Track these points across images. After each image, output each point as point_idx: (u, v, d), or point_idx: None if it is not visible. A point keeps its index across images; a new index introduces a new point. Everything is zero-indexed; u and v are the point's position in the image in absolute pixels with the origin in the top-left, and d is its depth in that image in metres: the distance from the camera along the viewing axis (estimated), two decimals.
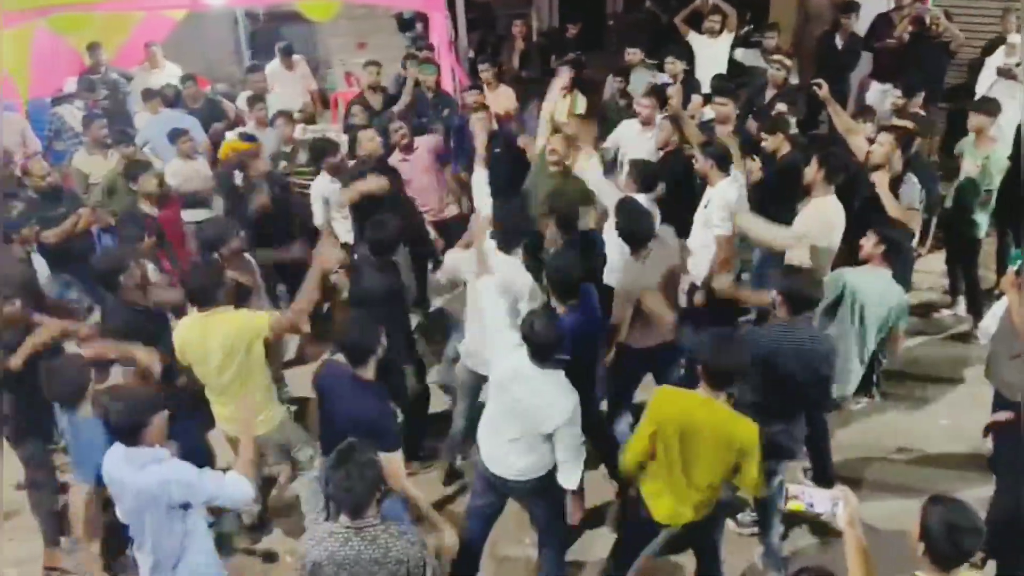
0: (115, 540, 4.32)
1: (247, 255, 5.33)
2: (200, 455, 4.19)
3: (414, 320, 6.37)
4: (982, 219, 6.22)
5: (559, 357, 3.69)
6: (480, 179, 5.45)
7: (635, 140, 6.64)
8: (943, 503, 2.64)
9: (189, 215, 6.69)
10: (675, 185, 5.93)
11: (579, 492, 4.02)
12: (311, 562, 3.00)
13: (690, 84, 7.74)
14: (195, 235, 5.97)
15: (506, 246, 4.55)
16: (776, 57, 7.61)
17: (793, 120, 6.36)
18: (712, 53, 8.54)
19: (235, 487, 3.48)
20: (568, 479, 3.80)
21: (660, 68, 8.28)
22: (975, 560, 2.97)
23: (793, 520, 4.62)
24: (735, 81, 7.74)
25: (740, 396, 3.78)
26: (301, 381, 5.37)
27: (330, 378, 3.95)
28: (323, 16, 9.17)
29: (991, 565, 4.06)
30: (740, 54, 9.19)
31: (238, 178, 6.27)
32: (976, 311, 6.45)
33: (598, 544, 4.67)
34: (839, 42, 8.64)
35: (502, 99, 7.88)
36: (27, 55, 9.11)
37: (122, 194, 6.41)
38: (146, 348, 4.22)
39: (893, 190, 5.37)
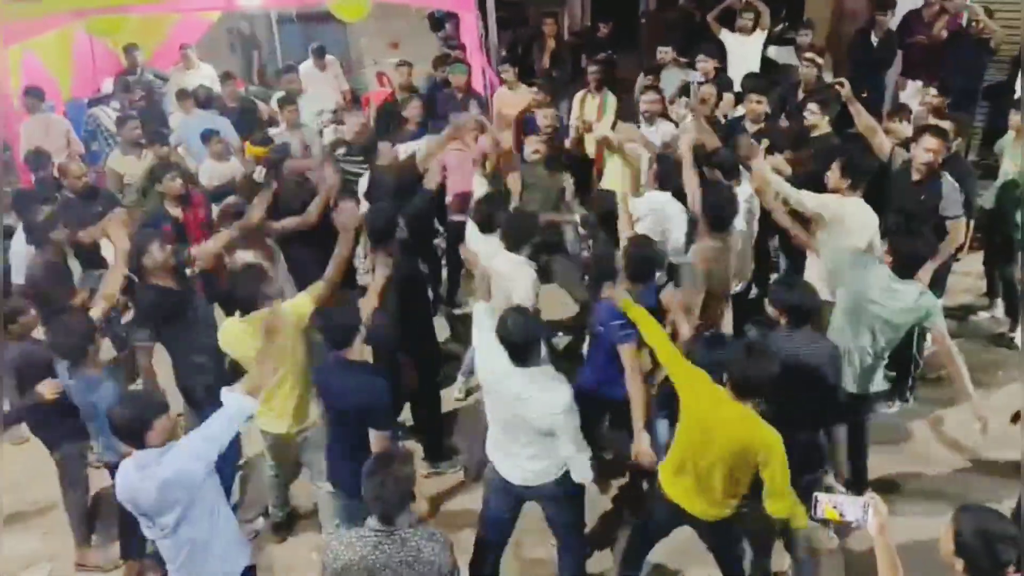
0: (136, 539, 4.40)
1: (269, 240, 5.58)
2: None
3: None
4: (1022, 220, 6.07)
5: (541, 352, 3.70)
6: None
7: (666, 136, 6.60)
8: (975, 512, 2.59)
9: None
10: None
11: None
12: (340, 565, 2.99)
13: (722, 82, 7.67)
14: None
15: (513, 245, 4.69)
16: (808, 55, 7.50)
17: (825, 119, 6.25)
18: (745, 51, 8.47)
19: (232, 408, 3.43)
20: (579, 473, 3.74)
21: (693, 67, 8.23)
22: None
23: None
24: (768, 79, 7.66)
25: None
26: None
27: (320, 370, 4.02)
28: (355, 16, 9.20)
29: None
30: (774, 52, 9.10)
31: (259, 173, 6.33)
32: (1014, 314, 6.32)
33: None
34: (874, 39, 8.51)
35: (523, 99, 7.87)
36: (69, 56, 9.33)
37: (155, 194, 6.50)
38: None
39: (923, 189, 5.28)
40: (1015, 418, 4.26)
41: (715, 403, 3.46)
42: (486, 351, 3.84)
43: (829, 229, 4.94)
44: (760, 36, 8.56)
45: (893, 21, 8.57)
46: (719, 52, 8.32)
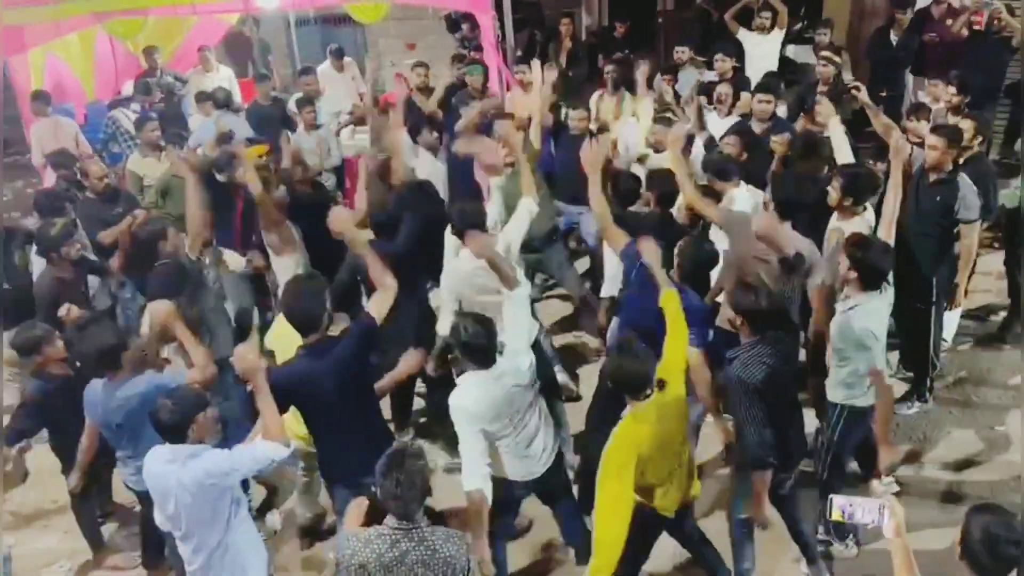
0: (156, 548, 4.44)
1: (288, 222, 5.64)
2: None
3: None
4: None
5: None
6: None
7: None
8: (985, 511, 2.57)
9: None
10: None
11: None
12: (357, 564, 2.98)
13: (740, 81, 7.64)
14: None
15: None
16: (825, 53, 7.46)
17: (839, 118, 6.19)
18: (763, 50, 8.43)
19: (264, 449, 3.44)
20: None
21: (710, 66, 8.19)
22: None
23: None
24: (786, 78, 7.63)
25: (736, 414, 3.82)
26: None
27: (284, 374, 3.76)
28: (372, 18, 9.24)
29: None
30: (792, 51, 9.07)
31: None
32: None
33: None
34: (893, 38, 8.45)
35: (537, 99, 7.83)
36: (92, 59, 9.42)
37: (176, 195, 6.55)
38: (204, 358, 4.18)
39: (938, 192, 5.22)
40: None
41: (646, 419, 3.47)
42: (484, 403, 3.73)
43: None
44: (778, 35, 8.52)
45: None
46: (737, 51, 8.28)
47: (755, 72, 7.90)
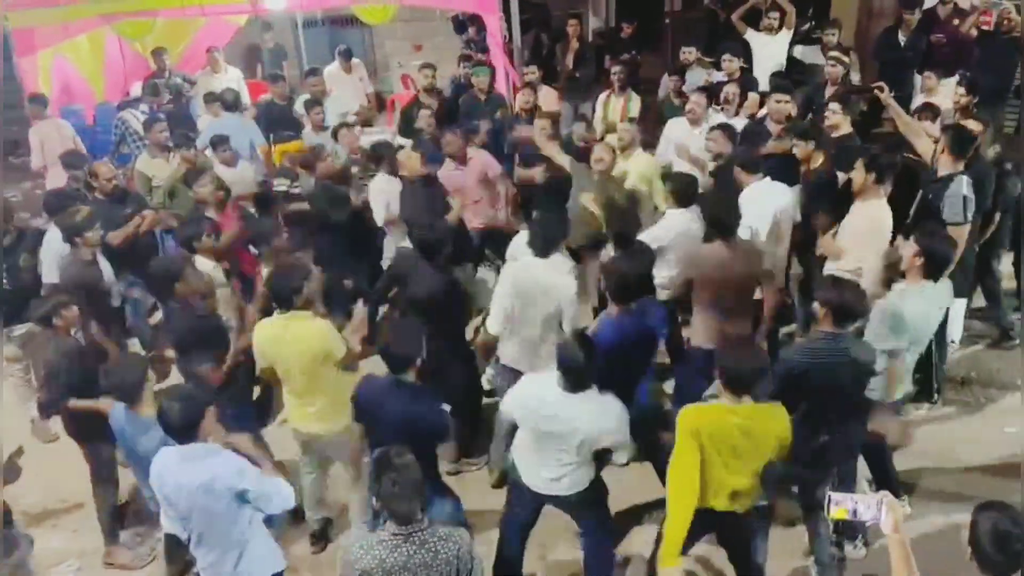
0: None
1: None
2: None
3: None
4: None
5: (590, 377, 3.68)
6: None
7: (684, 138, 6.60)
8: (992, 510, 2.56)
9: None
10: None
11: None
12: (360, 570, 2.99)
13: (748, 82, 7.64)
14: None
15: (542, 251, 4.61)
16: (833, 54, 7.44)
17: (847, 119, 6.19)
18: (770, 51, 8.42)
19: (274, 487, 3.51)
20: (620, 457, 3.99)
21: (718, 67, 8.19)
22: None
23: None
24: (794, 79, 7.61)
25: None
26: None
27: (371, 391, 3.95)
28: (380, 19, 9.28)
29: None
30: (800, 51, 9.05)
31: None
32: None
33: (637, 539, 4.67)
34: (901, 38, 8.42)
35: (544, 101, 7.86)
36: (102, 60, 9.47)
37: (183, 196, 6.59)
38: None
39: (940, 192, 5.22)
40: None
41: (716, 418, 3.46)
42: (535, 401, 3.78)
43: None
44: (786, 35, 8.50)
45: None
46: (744, 52, 8.28)
47: (763, 73, 7.90)
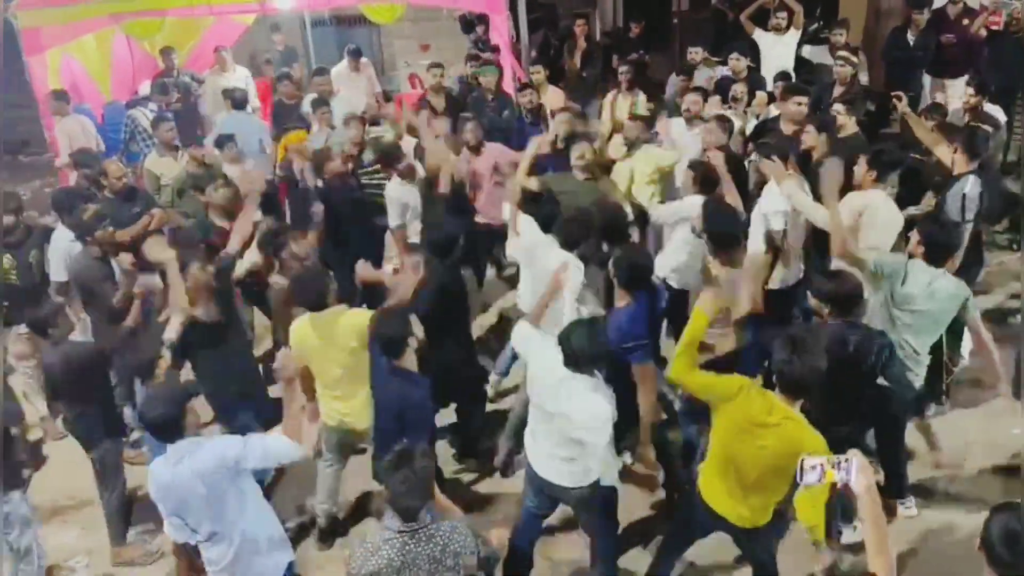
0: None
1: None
2: None
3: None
4: None
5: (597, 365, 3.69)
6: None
7: (681, 138, 6.64)
8: (1005, 511, 2.55)
9: None
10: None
11: None
12: (368, 571, 2.99)
13: (755, 81, 7.63)
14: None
15: (568, 245, 4.75)
16: (841, 54, 7.43)
17: (853, 119, 6.18)
18: (778, 51, 8.40)
19: (278, 445, 3.51)
20: (607, 480, 3.91)
21: (725, 66, 8.18)
22: None
23: None
24: (802, 79, 7.60)
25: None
26: None
27: (377, 375, 4.09)
28: (387, 19, 9.28)
29: None
30: (808, 51, 9.03)
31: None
32: None
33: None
34: (910, 38, 8.41)
35: (551, 100, 7.88)
36: (109, 59, 9.49)
37: (191, 194, 6.61)
38: None
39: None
40: None
41: (765, 408, 3.36)
42: (542, 362, 3.82)
43: (858, 229, 4.88)
44: (794, 35, 8.49)
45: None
46: (752, 52, 8.27)
47: (771, 73, 7.88)
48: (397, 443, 3.27)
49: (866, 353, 3.88)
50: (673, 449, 4.74)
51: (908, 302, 4.20)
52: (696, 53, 8.56)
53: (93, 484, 4.89)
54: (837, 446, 3.51)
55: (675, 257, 5.48)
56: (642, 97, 7.74)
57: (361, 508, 5.15)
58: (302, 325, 4.45)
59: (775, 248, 5.24)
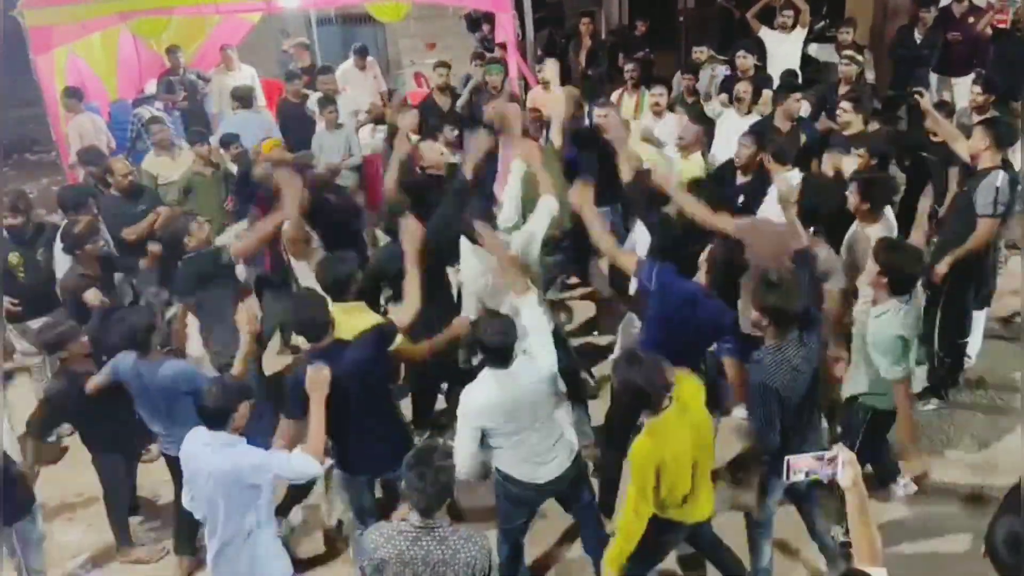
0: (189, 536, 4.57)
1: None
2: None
3: None
4: None
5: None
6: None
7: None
8: (1010, 515, 2.54)
9: None
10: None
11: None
12: (379, 559, 2.98)
13: (762, 80, 7.62)
14: None
15: None
16: (847, 52, 7.42)
17: (859, 117, 6.16)
18: (784, 49, 8.39)
19: (301, 463, 3.56)
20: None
21: (732, 64, 8.17)
22: None
23: None
24: (808, 77, 7.59)
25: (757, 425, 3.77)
26: None
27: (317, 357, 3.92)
28: (393, 17, 9.28)
29: None
30: (815, 49, 9.02)
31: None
32: None
33: None
34: (917, 36, 8.39)
35: (557, 99, 7.83)
36: (115, 58, 9.52)
37: (199, 192, 6.62)
38: None
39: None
40: None
41: (676, 427, 3.40)
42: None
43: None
44: (800, 33, 8.47)
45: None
46: (758, 50, 8.25)
47: (777, 71, 7.87)
48: (365, 412, 3.39)
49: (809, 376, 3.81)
50: None
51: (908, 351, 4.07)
52: (701, 52, 8.55)
53: (97, 482, 4.89)
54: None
55: None
56: (648, 95, 7.72)
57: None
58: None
59: None
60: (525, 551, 4.31)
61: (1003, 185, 5.01)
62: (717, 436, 4.74)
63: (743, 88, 6.99)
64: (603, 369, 6.01)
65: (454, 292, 5.52)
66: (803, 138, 6.41)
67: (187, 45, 9.63)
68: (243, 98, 8.12)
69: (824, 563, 4.34)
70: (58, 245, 5.65)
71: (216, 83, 9.24)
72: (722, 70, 8.05)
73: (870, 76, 8.23)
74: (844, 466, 2.69)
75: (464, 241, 4.85)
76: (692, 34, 11.06)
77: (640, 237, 5.16)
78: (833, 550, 4.28)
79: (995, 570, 2.51)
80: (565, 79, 8.53)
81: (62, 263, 5.59)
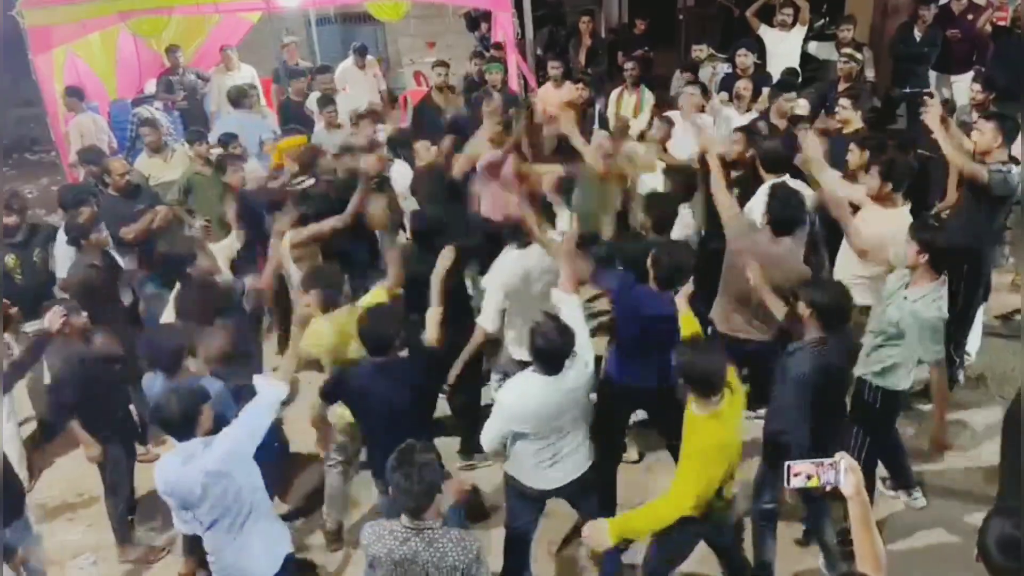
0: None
1: None
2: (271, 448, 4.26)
3: None
4: None
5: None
6: None
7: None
8: (1002, 514, 2.53)
9: None
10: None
11: None
12: (371, 556, 3.04)
13: (761, 78, 7.62)
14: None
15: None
16: (846, 50, 7.41)
17: (859, 114, 6.15)
18: (784, 47, 8.40)
19: (267, 396, 3.56)
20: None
21: (732, 62, 8.17)
22: None
23: None
24: (806, 75, 7.59)
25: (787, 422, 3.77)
26: None
27: (354, 377, 3.95)
28: (393, 16, 9.29)
29: None
30: (814, 47, 9.02)
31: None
32: None
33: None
34: (917, 34, 8.38)
35: (567, 96, 7.83)
36: (114, 57, 9.52)
37: (199, 192, 6.62)
38: None
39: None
40: None
41: (719, 426, 3.38)
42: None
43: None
44: (800, 31, 8.48)
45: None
46: (758, 48, 8.25)
47: (777, 69, 7.87)
48: (408, 426, 3.33)
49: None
50: None
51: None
52: (700, 50, 8.54)
53: (100, 481, 4.87)
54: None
55: None
56: (648, 93, 7.73)
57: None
58: (335, 319, 4.38)
59: None
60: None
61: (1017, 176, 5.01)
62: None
63: (743, 86, 7.00)
64: None
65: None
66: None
67: (187, 44, 9.64)
68: (236, 99, 8.11)
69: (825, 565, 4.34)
70: (57, 245, 5.65)
71: (216, 83, 9.24)
72: (722, 68, 8.04)
73: (870, 74, 8.22)
74: (846, 473, 2.67)
75: (508, 250, 4.88)
76: (692, 32, 11.06)
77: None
78: (835, 555, 4.27)
79: (987, 568, 2.51)
80: (565, 77, 8.52)
81: (62, 262, 5.59)
